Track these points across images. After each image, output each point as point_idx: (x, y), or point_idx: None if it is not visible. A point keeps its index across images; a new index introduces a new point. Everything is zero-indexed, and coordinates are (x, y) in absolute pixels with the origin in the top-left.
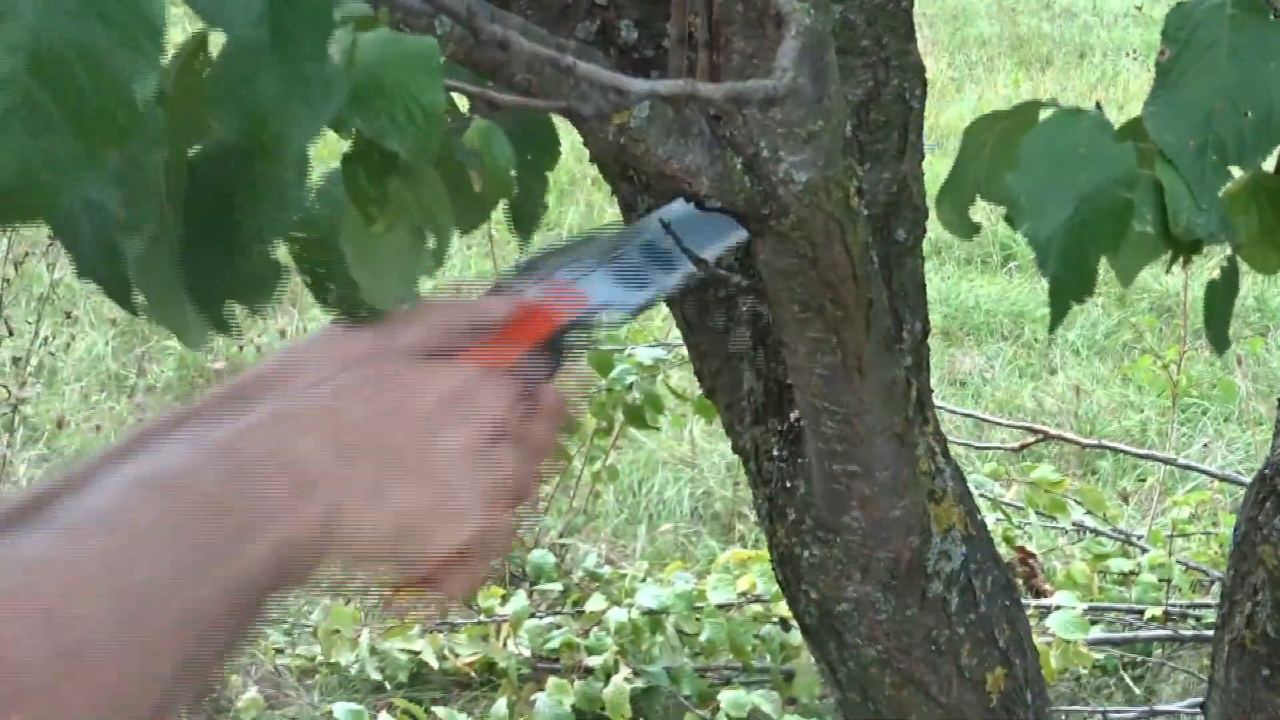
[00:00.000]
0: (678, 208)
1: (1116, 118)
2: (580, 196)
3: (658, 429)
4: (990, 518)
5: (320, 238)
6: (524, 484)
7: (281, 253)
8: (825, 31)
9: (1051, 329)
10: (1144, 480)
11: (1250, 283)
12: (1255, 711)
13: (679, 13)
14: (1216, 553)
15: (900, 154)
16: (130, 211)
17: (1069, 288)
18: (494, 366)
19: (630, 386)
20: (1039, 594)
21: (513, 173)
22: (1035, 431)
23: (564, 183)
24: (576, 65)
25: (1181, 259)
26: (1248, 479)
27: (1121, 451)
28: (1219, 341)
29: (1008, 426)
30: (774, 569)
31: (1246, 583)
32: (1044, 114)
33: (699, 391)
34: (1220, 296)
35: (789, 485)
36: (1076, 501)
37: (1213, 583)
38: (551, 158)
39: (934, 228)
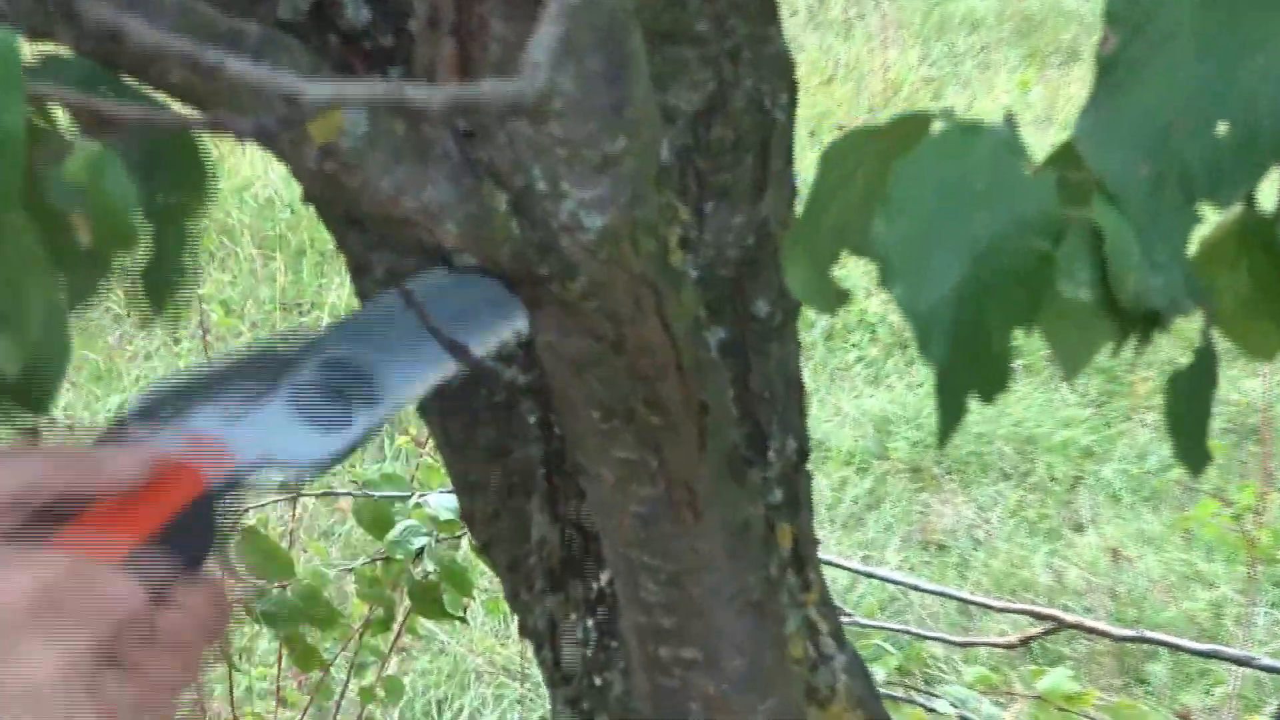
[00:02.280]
0: (433, 278)
1: None
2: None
3: (462, 619)
4: None
5: None
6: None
7: None
8: (620, 9)
9: (941, 441)
10: (1213, 690)
11: None
12: None
13: None
14: None
15: (758, 188)
16: None
17: (964, 378)
18: (106, 554)
19: (420, 554)
20: None
21: (135, 218)
22: (1044, 618)
23: (326, 242)
24: (225, 64)
25: (1135, 338)
26: None
27: (1176, 648)
28: (1190, 457)
29: (1005, 612)
30: None
31: None
32: (936, 129)
33: None
34: (1191, 392)
35: (599, 681)
36: None
37: None
38: (197, 198)
39: None
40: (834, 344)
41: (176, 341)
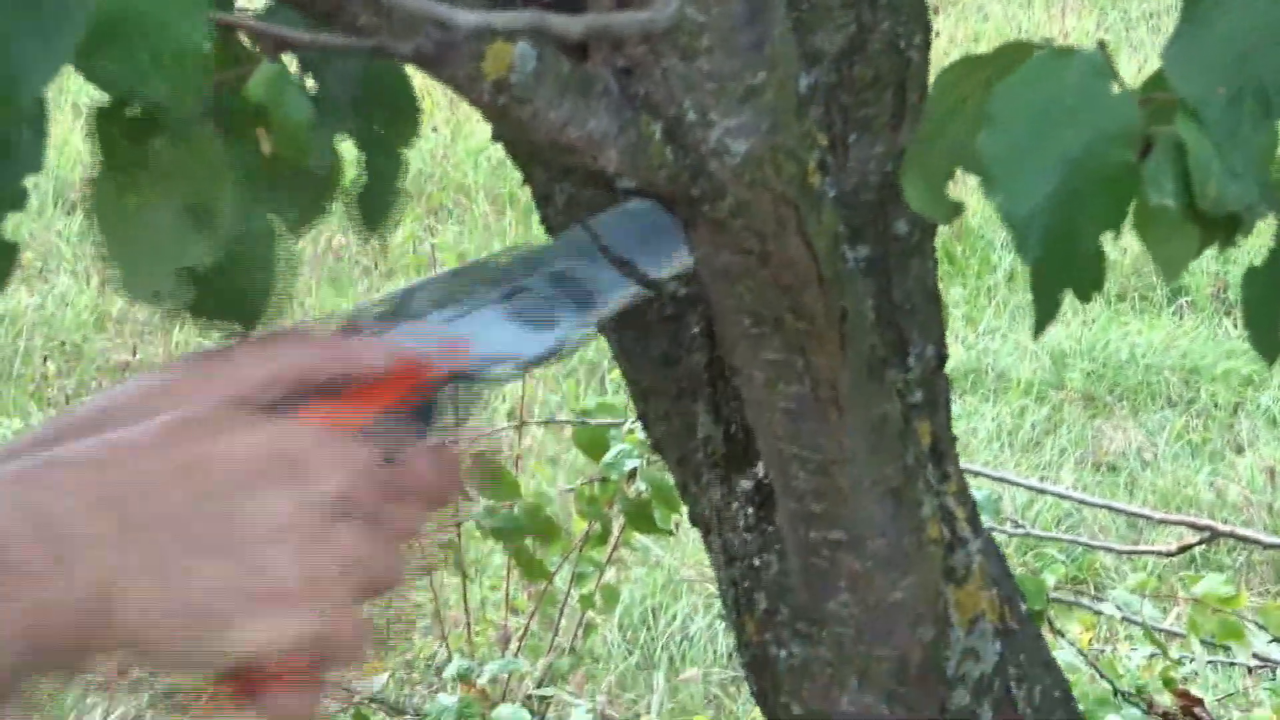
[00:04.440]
0: (611, 216)
1: None
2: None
3: (672, 533)
4: (1142, 651)
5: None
6: (378, 572)
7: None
8: None
9: (1036, 332)
10: None
11: None
12: None
13: None
14: None
15: (896, 121)
16: None
17: (1058, 277)
18: (342, 424)
19: (633, 475)
20: None
21: (310, 132)
22: (1200, 528)
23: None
24: None
25: (1218, 241)
26: None
27: None
28: (1265, 348)
29: (1165, 523)
30: (746, 679)
31: None
32: (1035, 55)
33: None
34: (1264, 287)
35: (758, 563)
36: (1260, 626)
37: None
38: (407, 128)
39: None
40: (1014, 285)
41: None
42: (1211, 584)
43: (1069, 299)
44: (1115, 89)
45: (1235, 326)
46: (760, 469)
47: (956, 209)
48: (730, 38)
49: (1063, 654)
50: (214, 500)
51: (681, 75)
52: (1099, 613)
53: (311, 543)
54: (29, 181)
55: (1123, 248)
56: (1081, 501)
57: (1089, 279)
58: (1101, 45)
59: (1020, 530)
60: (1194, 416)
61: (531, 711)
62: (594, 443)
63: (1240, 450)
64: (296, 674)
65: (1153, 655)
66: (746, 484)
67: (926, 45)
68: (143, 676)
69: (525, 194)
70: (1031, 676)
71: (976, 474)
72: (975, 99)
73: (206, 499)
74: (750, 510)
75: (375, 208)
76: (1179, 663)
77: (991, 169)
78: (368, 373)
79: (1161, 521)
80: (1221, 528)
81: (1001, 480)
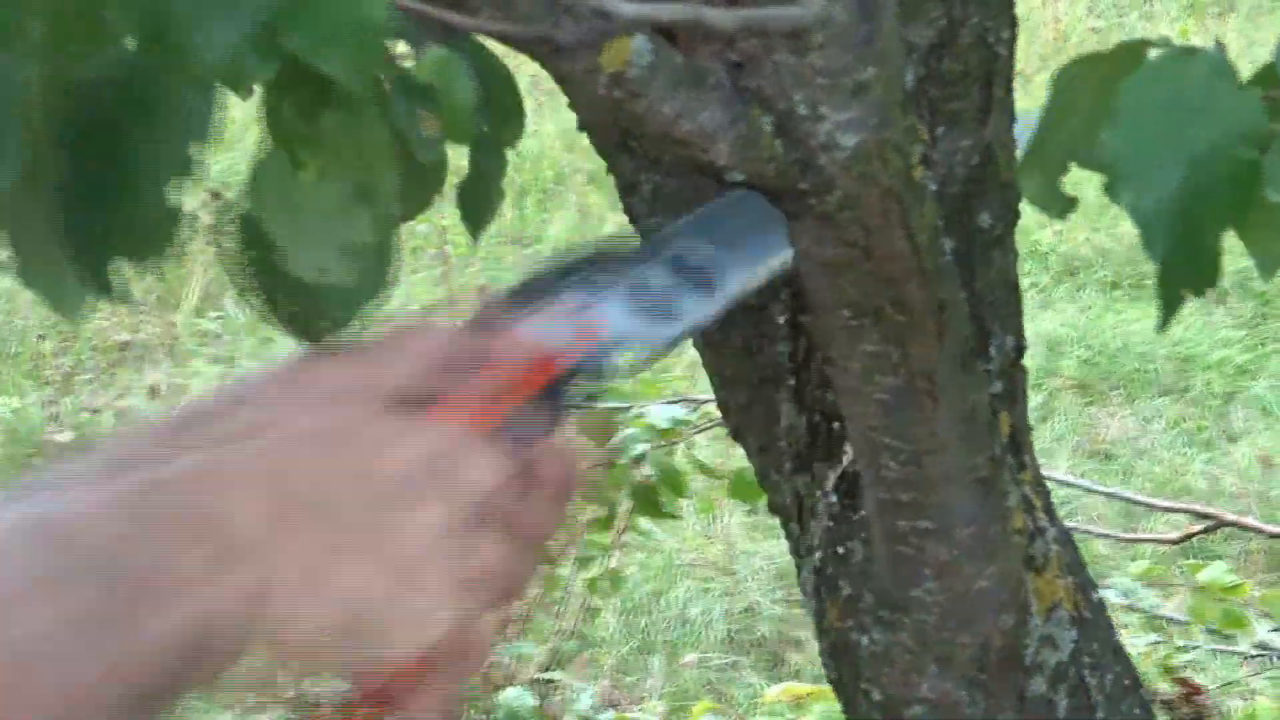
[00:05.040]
0: (716, 206)
1: None
2: (571, 198)
3: (677, 518)
4: (1142, 639)
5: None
6: (511, 578)
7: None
8: None
9: (1162, 326)
10: None
11: None
12: None
13: None
14: None
15: (983, 115)
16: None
17: (1182, 274)
18: (482, 424)
19: (641, 459)
20: None
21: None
22: (1205, 517)
23: (548, 180)
24: None
25: None
26: None
27: None
28: None
29: (1168, 511)
30: (824, 665)
31: None
32: (1153, 54)
33: (739, 463)
34: None
35: (842, 551)
36: (1263, 614)
37: None
38: (514, 128)
39: (1072, 238)
40: None
41: None
42: (1215, 572)
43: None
44: (1237, 88)
45: (1229, 316)
46: (846, 459)
47: (1071, 203)
48: (843, 33)
49: None
50: (372, 509)
51: (793, 70)
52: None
53: (460, 552)
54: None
55: (1118, 236)
56: (1085, 489)
57: (1208, 275)
58: (1220, 45)
59: None
60: (1188, 405)
61: (536, 695)
62: (600, 427)
63: (1234, 439)
64: (429, 680)
65: (1155, 643)
66: (832, 474)
67: (1013, 40)
68: (282, 683)
69: (519, 176)
70: (1103, 665)
71: None
72: (1091, 97)
73: (365, 508)
74: (835, 499)
75: (479, 205)
76: (1181, 649)
77: (1118, 166)
78: (504, 368)
79: (1166, 510)
80: (1228, 516)
81: None
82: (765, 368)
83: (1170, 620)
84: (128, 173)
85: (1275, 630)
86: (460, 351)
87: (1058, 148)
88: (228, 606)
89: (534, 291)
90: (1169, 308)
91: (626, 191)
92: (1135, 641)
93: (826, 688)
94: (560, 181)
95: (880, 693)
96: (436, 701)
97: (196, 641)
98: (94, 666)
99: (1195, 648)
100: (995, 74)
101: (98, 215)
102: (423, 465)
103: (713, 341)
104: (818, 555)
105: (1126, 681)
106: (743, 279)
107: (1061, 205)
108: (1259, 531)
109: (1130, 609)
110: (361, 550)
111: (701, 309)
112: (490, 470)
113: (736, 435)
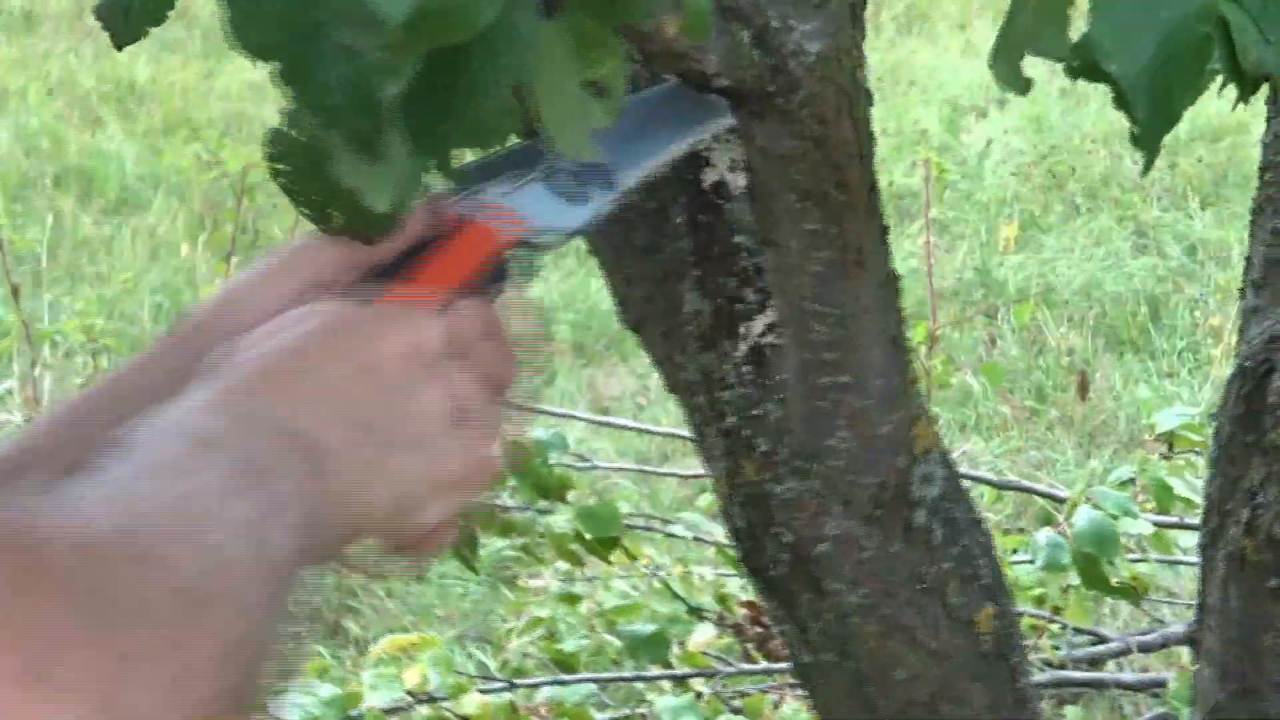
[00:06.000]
0: (662, 89)
1: None
2: None
3: None
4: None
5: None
6: (493, 420)
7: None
8: None
9: (1146, 170)
10: None
11: (965, 254)
12: (1264, 630)
13: None
14: None
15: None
16: (388, 54)
17: (1159, 128)
18: (442, 291)
19: None
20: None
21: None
22: None
23: None
24: None
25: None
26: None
27: None
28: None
29: None
30: (732, 518)
31: (1239, 488)
32: None
33: None
34: None
35: (757, 413)
36: None
37: None
38: None
39: None
40: None
41: None
42: None
43: None
44: None
45: None
46: (750, 333)
47: (1029, 83)
48: None
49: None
50: (390, 400)
51: None
52: (671, 535)
53: (468, 425)
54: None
55: None
56: (643, 430)
57: (1171, 127)
58: None
59: (588, 465)
60: None
61: None
62: None
63: None
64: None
65: (722, 574)
66: (740, 348)
67: None
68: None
69: None
70: (959, 498)
71: (544, 413)
72: None
73: (385, 400)
74: (747, 369)
75: None
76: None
77: (1104, 43)
78: (454, 244)
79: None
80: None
81: (566, 416)
82: (668, 263)
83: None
84: (473, 79)
85: None
86: (414, 232)
87: (1016, 39)
88: (324, 503)
89: (469, 182)
90: (1150, 157)
91: None
92: (706, 572)
93: (433, 637)
94: None
95: (791, 534)
96: (449, 537)
97: (307, 532)
98: (268, 550)
99: None
100: None
101: (446, 113)
102: (413, 353)
103: (614, 244)
104: (730, 420)
105: (972, 515)
106: (634, 173)
107: (1023, 85)
108: None
109: (699, 541)
110: (395, 443)
111: (604, 197)
112: (463, 339)
113: (636, 326)
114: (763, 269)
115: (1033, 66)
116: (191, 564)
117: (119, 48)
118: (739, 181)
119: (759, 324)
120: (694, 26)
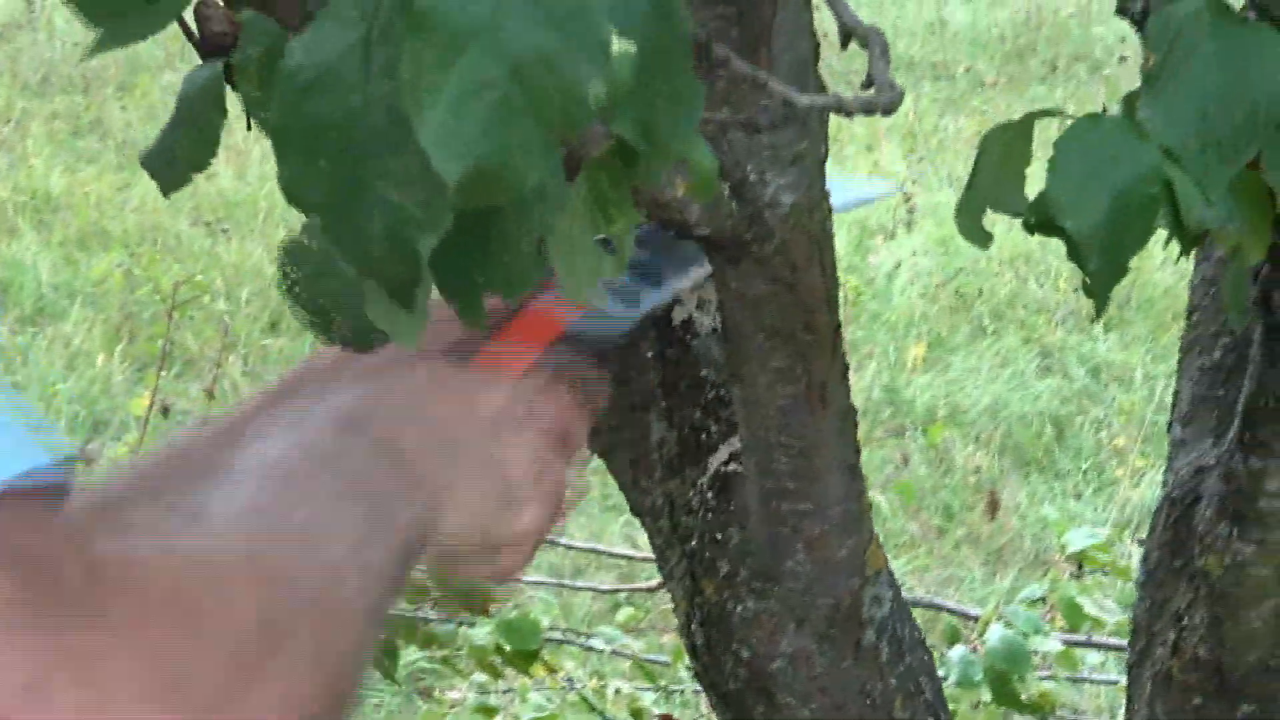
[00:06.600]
0: (648, 229)
1: None
2: None
3: None
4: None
5: (323, 269)
6: (562, 478)
7: None
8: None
9: (1097, 317)
10: None
11: (874, 373)
12: None
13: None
14: None
15: None
16: (428, 209)
17: (1109, 281)
18: (519, 370)
19: None
20: None
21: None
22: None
23: None
24: (769, 78)
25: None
26: None
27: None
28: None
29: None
30: (690, 635)
31: (1166, 611)
32: (1047, 124)
33: None
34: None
35: (719, 537)
36: None
37: None
38: None
39: None
40: None
41: None
42: None
43: None
44: (1137, 139)
45: None
46: (716, 462)
47: (988, 238)
48: (788, 115)
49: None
50: (478, 442)
51: (745, 145)
52: (589, 649)
53: (541, 471)
54: None
55: None
56: (558, 544)
57: (1119, 280)
58: (1128, 102)
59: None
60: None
61: None
62: None
63: None
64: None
65: (637, 689)
66: (703, 475)
67: None
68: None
69: None
70: (904, 618)
71: None
72: (998, 155)
73: (474, 440)
74: (710, 495)
75: None
76: (666, 691)
77: (1060, 200)
78: (525, 329)
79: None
80: None
81: None
82: (636, 394)
83: (656, 662)
84: (501, 231)
85: None
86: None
87: (980, 194)
88: (418, 519)
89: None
90: (1101, 307)
91: None
92: (625, 685)
93: None
94: None
95: (749, 651)
96: (511, 573)
97: (405, 548)
98: (356, 537)
99: (684, 688)
100: None
101: (478, 264)
102: (504, 405)
103: None
104: (693, 543)
105: (917, 634)
106: (677, 281)
107: (984, 239)
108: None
109: (615, 654)
110: (481, 476)
111: (653, 297)
112: (547, 403)
113: (605, 454)
114: (726, 401)
115: (939, 191)
116: (313, 576)
117: (166, 195)
118: (706, 320)
119: (723, 452)
120: (700, 188)
